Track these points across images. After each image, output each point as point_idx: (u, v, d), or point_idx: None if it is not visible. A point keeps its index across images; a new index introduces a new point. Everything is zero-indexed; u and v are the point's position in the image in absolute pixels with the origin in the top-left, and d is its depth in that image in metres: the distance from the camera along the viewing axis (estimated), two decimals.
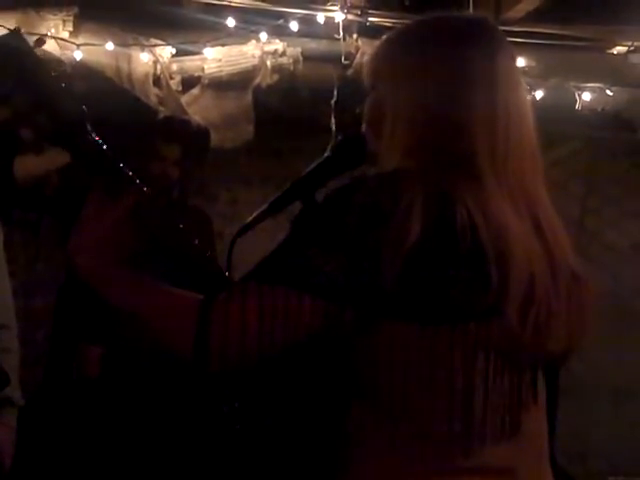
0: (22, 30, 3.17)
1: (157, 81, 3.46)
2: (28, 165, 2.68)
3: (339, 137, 1.32)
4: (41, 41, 3.14)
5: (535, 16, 3.41)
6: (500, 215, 1.08)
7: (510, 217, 1.09)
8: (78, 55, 3.27)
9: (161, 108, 3.44)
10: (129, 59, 3.40)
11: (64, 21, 3.27)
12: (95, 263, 1.19)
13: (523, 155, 1.15)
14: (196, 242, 1.34)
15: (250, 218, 1.33)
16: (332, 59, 3.44)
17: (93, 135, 1.24)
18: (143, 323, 1.16)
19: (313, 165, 1.31)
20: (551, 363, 1.20)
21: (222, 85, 3.51)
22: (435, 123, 1.14)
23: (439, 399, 1.07)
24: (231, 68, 3.48)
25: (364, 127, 1.25)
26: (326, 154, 1.30)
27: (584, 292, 1.18)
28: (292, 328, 1.06)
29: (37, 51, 3.09)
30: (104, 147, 1.25)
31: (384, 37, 1.26)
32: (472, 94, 1.14)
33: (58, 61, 3.22)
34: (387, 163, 1.15)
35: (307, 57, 3.51)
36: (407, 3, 3.26)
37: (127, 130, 3.24)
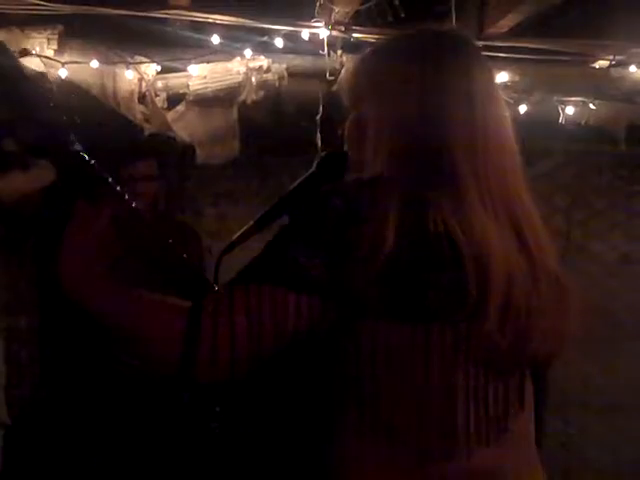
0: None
1: (142, 98, 3.46)
2: (12, 183, 2.66)
3: (322, 153, 1.33)
4: (24, 51, 3.14)
5: (518, 31, 3.44)
6: (478, 221, 1.09)
7: (489, 224, 1.10)
8: (63, 73, 3.27)
9: (147, 125, 3.44)
10: (114, 77, 3.40)
11: (49, 39, 3.26)
12: (78, 273, 1.18)
13: (504, 166, 1.17)
14: (185, 256, 1.33)
15: (236, 235, 1.33)
16: (317, 75, 3.46)
17: (76, 145, 1.24)
18: (129, 336, 1.15)
19: (298, 181, 1.31)
20: (536, 366, 1.21)
21: (207, 102, 3.51)
22: (415, 138, 1.15)
23: (420, 399, 1.08)
24: (216, 85, 3.49)
25: (346, 143, 1.25)
26: (310, 170, 1.31)
27: (567, 296, 1.19)
28: (279, 326, 1.06)
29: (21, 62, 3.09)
30: (87, 157, 1.24)
31: (364, 51, 1.27)
32: (450, 109, 1.15)
33: (43, 78, 3.21)
34: (372, 171, 1.16)
35: (292, 73, 3.52)
36: (391, 19, 3.28)
37: (116, 145, 3.24)
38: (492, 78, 1.24)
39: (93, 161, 1.24)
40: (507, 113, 1.23)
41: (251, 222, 1.33)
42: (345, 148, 1.27)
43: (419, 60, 1.18)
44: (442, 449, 1.07)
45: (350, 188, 1.10)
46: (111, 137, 3.22)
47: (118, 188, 1.26)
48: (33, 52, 3.22)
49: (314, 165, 1.33)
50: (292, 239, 1.09)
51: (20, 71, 1.26)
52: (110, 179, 1.25)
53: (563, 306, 1.18)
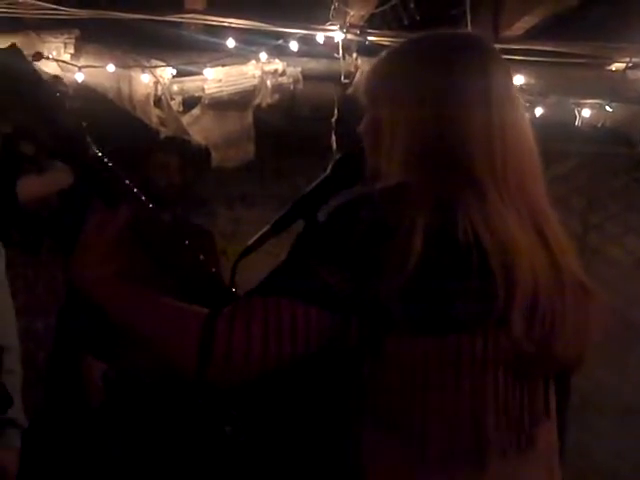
0: (24, 53, 3.20)
1: (158, 102, 3.48)
2: (30, 186, 2.68)
3: (337, 155, 1.33)
4: (39, 55, 3.16)
5: (534, 34, 3.43)
6: (504, 226, 1.08)
7: (514, 228, 1.09)
8: (79, 77, 3.29)
9: (162, 129, 3.46)
10: (130, 80, 3.42)
11: (65, 44, 3.29)
12: (96, 277, 1.18)
13: (522, 168, 1.16)
14: (201, 257, 1.34)
15: (253, 239, 1.33)
16: (332, 78, 3.46)
17: (94, 148, 1.24)
18: (145, 338, 1.15)
19: (313, 184, 1.31)
20: (562, 374, 1.20)
21: (223, 105, 3.52)
22: (432, 141, 1.14)
23: (449, 412, 1.07)
24: (231, 88, 3.50)
25: (363, 144, 1.25)
26: (326, 173, 1.31)
27: (591, 302, 1.18)
28: (298, 340, 1.05)
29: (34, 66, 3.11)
30: (105, 160, 1.25)
31: (380, 55, 1.27)
32: (468, 111, 1.15)
33: (60, 82, 3.23)
34: (388, 175, 1.16)
35: (307, 76, 3.53)
36: (406, 22, 3.28)
37: (129, 148, 3.26)
38: (510, 80, 1.23)
39: (110, 163, 1.25)
40: (525, 113, 1.22)
41: (267, 226, 1.33)
42: (359, 148, 1.26)
43: (436, 62, 1.18)
44: (471, 458, 1.07)
45: (376, 198, 1.09)
46: (127, 140, 3.24)
47: (135, 190, 1.26)
48: (50, 56, 3.24)
49: (329, 168, 1.33)
50: (315, 251, 1.08)
51: (37, 75, 1.26)
52: (127, 181, 1.25)
53: (587, 311, 1.16)
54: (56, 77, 3.17)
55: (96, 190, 1.24)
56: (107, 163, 1.24)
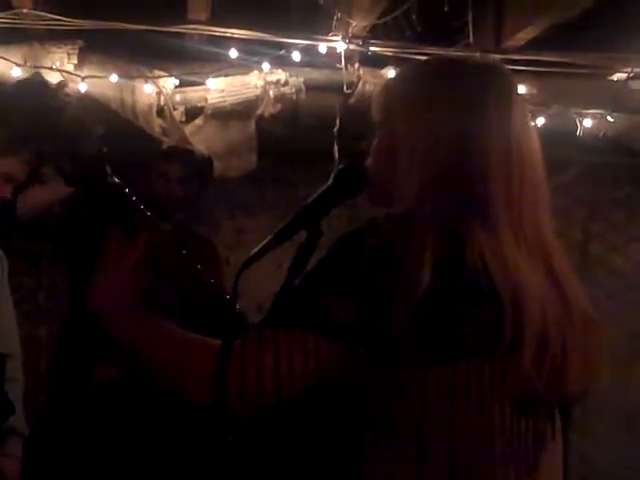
0: (27, 63, 3.22)
1: (161, 112, 3.49)
2: (32, 196, 2.69)
3: (339, 166, 1.33)
4: (63, 83, 3.18)
5: (535, 44, 3.44)
6: (513, 259, 1.08)
7: (523, 262, 1.09)
8: (83, 87, 3.30)
9: (165, 138, 3.47)
10: (133, 91, 3.43)
11: (69, 54, 3.30)
12: (115, 312, 1.20)
13: (536, 200, 1.16)
14: (212, 281, 1.35)
15: (255, 250, 1.33)
16: (334, 88, 3.47)
17: (113, 177, 1.26)
18: (160, 374, 1.16)
19: (315, 195, 1.31)
20: (567, 404, 1.20)
21: (225, 115, 3.53)
22: (451, 170, 1.14)
23: (457, 437, 1.07)
24: (234, 98, 3.51)
25: (372, 162, 1.25)
26: (328, 183, 1.31)
27: (599, 336, 1.17)
28: (309, 373, 1.06)
29: (60, 93, 3.13)
30: (124, 188, 1.27)
31: (398, 72, 1.26)
32: (488, 144, 1.14)
33: (64, 93, 3.25)
34: (401, 201, 1.15)
35: (309, 86, 3.54)
36: (408, 33, 3.29)
37: (131, 156, 3.28)
38: (527, 112, 1.23)
39: (128, 191, 1.26)
40: (537, 138, 1.22)
41: (269, 236, 1.33)
42: (365, 161, 1.26)
43: (458, 88, 1.18)
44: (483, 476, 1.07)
45: (384, 226, 1.09)
46: (130, 149, 3.25)
47: (149, 213, 1.27)
48: (53, 67, 3.26)
49: (331, 178, 1.33)
50: (324, 281, 1.08)
51: (60, 102, 1.29)
52: (144, 208, 1.27)
53: (595, 345, 1.17)
54: (61, 83, 3.18)
55: (114, 218, 1.26)
56: (126, 191, 1.26)
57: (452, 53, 1.27)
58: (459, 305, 1.05)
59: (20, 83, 2.80)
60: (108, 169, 1.25)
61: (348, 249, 1.09)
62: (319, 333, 1.05)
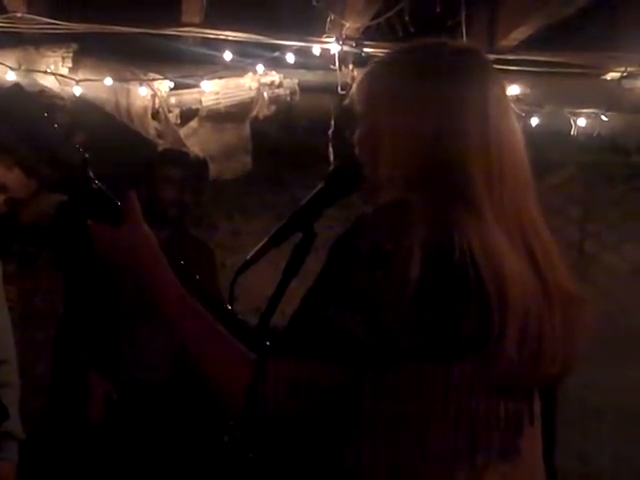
0: (22, 67, 3.22)
1: (156, 115, 3.49)
2: (32, 200, 2.69)
3: (332, 166, 1.33)
4: (45, 92, 3.19)
5: (529, 44, 3.44)
6: (497, 248, 1.09)
7: (506, 250, 1.10)
8: (77, 91, 3.30)
9: (160, 141, 3.47)
10: (128, 93, 3.43)
11: (63, 58, 3.30)
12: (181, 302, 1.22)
13: (517, 181, 1.17)
14: (197, 277, 1.35)
15: (251, 253, 1.34)
16: (328, 90, 3.47)
17: (96, 182, 1.27)
18: (203, 369, 1.18)
19: (309, 196, 1.32)
20: (547, 385, 1.21)
21: (220, 117, 3.54)
22: (432, 154, 1.14)
23: (448, 428, 1.08)
24: (229, 100, 3.51)
25: (358, 154, 1.25)
26: (321, 184, 1.32)
27: (580, 314, 1.18)
28: (328, 392, 1.08)
29: (37, 93, 3.13)
30: (107, 193, 1.28)
31: (374, 63, 1.27)
32: (465, 123, 1.15)
33: (58, 97, 3.25)
34: (388, 188, 1.16)
35: (304, 88, 3.54)
36: (401, 34, 3.30)
37: (130, 162, 3.28)
38: (504, 92, 1.24)
39: (112, 195, 1.27)
40: (519, 127, 1.22)
41: (265, 239, 1.34)
42: (354, 157, 1.27)
43: (434, 75, 1.18)
44: (464, 473, 1.08)
45: (371, 224, 1.10)
46: (126, 153, 3.25)
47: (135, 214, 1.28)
48: (48, 70, 3.26)
49: (325, 179, 1.33)
50: (325, 297, 1.09)
51: (39, 111, 1.29)
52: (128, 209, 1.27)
53: (576, 324, 1.17)
54: (42, 92, 3.18)
55: (97, 218, 1.27)
56: (110, 196, 1.27)
57: (430, 40, 1.27)
58: (450, 303, 1.05)
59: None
60: (91, 174, 1.26)
61: (342, 257, 1.10)
62: (330, 360, 1.07)
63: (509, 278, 1.08)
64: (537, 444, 1.19)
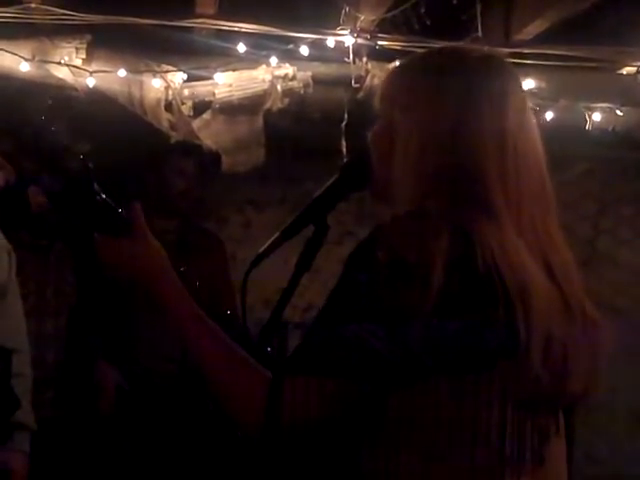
0: (36, 58, 3.22)
1: (169, 106, 3.49)
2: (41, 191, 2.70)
3: (345, 160, 1.32)
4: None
5: (544, 38, 3.42)
6: (518, 258, 1.07)
7: (528, 261, 1.08)
8: (91, 82, 3.31)
9: (173, 133, 3.47)
10: (141, 85, 3.43)
11: (77, 49, 3.31)
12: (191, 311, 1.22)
13: (534, 192, 1.14)
14: (197, 284, 1.35)
15: (263, 247, 1.33)
16: (342, 82, 3.46)
17: (101, 195, 1.26)
18: (217, 388, 1.17)
19: (322, 189, 1.31)
20: (571, 403, 1.20)
21: (233, 109, 3.53)
22: (447, 153, 1.13)
23: (474, 439, 1.06)
24: (242, 93, 3.51)
25: (371, 150, 1.24)
26: (334, 177, 1.31)
27: (598, 332, 1.16)
28: (349, 410, 1.07)
29: (51, 79, 3.13)
30: (112, 205, 1.27)
31: (396, 64, 1.26)
32: (483, 126, 1.13)
33: (72, 88, 3.25)
34: (400, 192, 1.15)
35: (317, 81, 3.53)
36: (416, 27, 3.28)
37: (143, 153, 3.28)
38: (525, 100, 1.22)
39: (119, 209, 1.27)
40: (537, 131, 1.20)
41: (277, 233, 1.33)
42: (367, 153, 1.26)
43: (456, 79, 1.16)
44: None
45: (391, 233, 1.07)
46: (139, 144, 3.25)
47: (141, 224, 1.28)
48: (62, 61, 3.26)
49: (338, 172, 1.33)
50: (345, 312, 1.06)
51: (43, 121, 1.29)
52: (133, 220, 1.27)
53: (596, 342, 1.15)
54: (73, 88, 3.18)
55: (100, 230, 1.27)
56: (114, 207, 1.27)
57: (456, 44, 1.25)
58: (475, 311, 1.03)
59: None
60: (96, 187, 1.25)
61: (361, 269, 1.07)
62: (351, 379, 1.04)
63: (533, 290, 1.05)
64: (562, 452, 1.18)
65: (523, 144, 1.16)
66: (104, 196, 1.26)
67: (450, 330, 1.03)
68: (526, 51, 3.41)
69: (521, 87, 1.23)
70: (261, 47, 3.41)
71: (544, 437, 1.12)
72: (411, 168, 1.14)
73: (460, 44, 1.24)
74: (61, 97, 3.21)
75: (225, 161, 3.55)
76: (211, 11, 3.32)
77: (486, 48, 1.41)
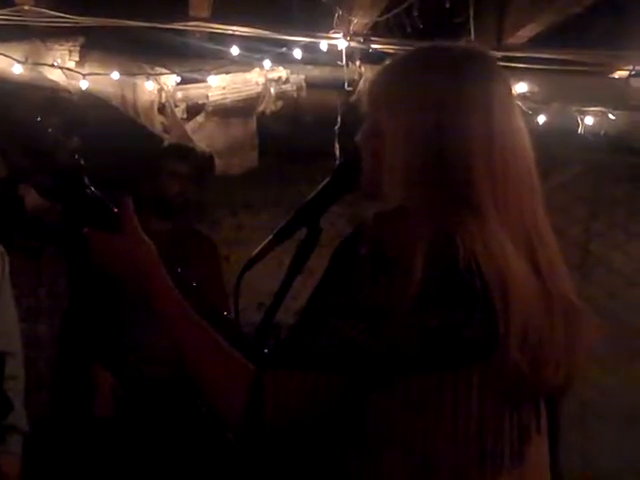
0: (29, 60, 3.22)
1: (162, 109, 3.49)
2: (35, 193, 2.70)
3: (337, 162, 1.33)
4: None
5: (537, 41, 3.44)
6: (501, 253, 1.08)
7: (510, 254, 1.09)
8: (84, 84, 3.30)
9: (166, 135, 3.47)
10: (134, 88, 3.43)
11: (70, 51, 3.30)
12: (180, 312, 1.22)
13: (522, 185, 1.15)
14: (194, 284, 1.36)
15: (256, 251, 1.33)
16: (335, 86, 3.47)
17: (91, 189, 1.27)
18: (201, 383, 1.17)
19: (314, 192, 1.32)
20: (552, 394, 1.20)
21: (226, 112, 3.53)
22: (433, 154, 1.13)
23: (455, 438, 1.07)
24: (235, 95, 3.51)
25: (362, 153, 1.25)
26: (326, 180, 1.31)
27: (582, 324, 1.17)
28: (329, 406, 1.07)
29: (44, 82, 3.13)
30: (103, 199, 1.28)
31: (384, 63, 1.27)
32: (469, 123, 1.14)
33: (65, 90, 3.25)
34: (389, 191, 1.16)
35: (310, 84, 3.54)
36: (409, 30, 3.29)
37: (136, 156, 3.28)
38: (511, 93, 1.23)
39: (111, 206, 1.28)
40: (524, 127, 1.21)
41: (270, 236, 1.34)
42: (358, 155, 1.26)
43: (439, 74, 1.17)
44: (470, 477, 1.07)
45: (373, 229, 1.08)
46: (132, 147, 3.25)
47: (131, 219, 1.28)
48: (55, 64, 3.25)
49: (331, 174, 1.33)
50: (327, 307, 1.07)
51: (34, 116, 1.30)
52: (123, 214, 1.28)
53: (576, 333, 1.16)
54: (66, 90, 3.17)
55: (92, 224, 1.28)
56: (104, 201, 1.27)
57: (442, 42, 1.26)
58: (454, 309, 1.04)
59: None
60: (86, 181, 1.26)
61: (344, 265, 1.08)
62: (333, 371, 1.05)
63: (511, 281, 1.07)
64: (543, 452, 1.18)
65: (510, 136, 1.16)
66: (94, 190, 1.27)
67: (429, 325, 1.04)
68: (518, 55, 3.42)
69: (507, 83, 1.23)
70: (254, 50, 3.41)
71: (525, 435, 1.12)
72: (400, 167, 1.15)
73: (446, 42, 1.24)
74: (55, 99, 3.20)
75: (218, 164, 3.55)
76: (205, 14, 3.32)
77: (471, 45, 1.41)
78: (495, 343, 1.06)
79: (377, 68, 1.29)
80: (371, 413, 1.08)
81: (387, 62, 1.27)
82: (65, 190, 1.27)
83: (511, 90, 1.24)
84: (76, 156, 1.26)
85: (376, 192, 1.19)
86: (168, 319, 1.21)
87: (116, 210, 1.28)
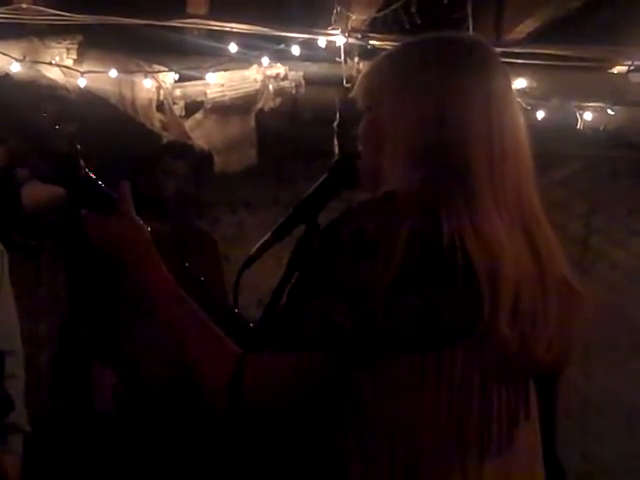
0: (27, 58, 3.21)
1: (160, 107, 3.48)
2: (35, 191, 2.69)
3: (335, 158, 1.33)
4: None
5: (535, 37, 3.43)
6: (491, 231, 1.09)
7: (502, 233, 1.10)
8: (82, 82, 3.30)
9: (165, 133, 3.47)
10: (132, 85, 3.42)
11: (68, 49, 3.30)
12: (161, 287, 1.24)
13: (519, 172, 1.17)
14: (202, 279, 1.36)
15: (255, 248, 1.34)
16: (334, 82, 3.46)
17: (87, 171, 1.28)
18: (187, 360, 1.19)
19: (312, 188, 1.32)
20: (546, 377, 1.20)
21: (225, 109, 3.53)
22: (432, 141, 1.14)
23: (438, 418, 1.07)
24: (234, 92, 3.50)
25: (360, 145, 1.25)
26: (324, 176, 1.32)
27: (577, 304, 1.18)
28: (313, 387, 1.08)
29: (41, 79, 3.13)
30: (98, 182, 1.29)
31: (380, 55, 1.27)
32: (468, 113, 1.15)
33: (63, 88, 3.24)
34: (389, 176, 1.16)
35: (309, 80, 3.53)
36: (407, 26, 3.28)
37: (135, 153, 3.28)
38: (509, 83, 1.24)
39: (107, 188, 1.29)
40: (522, 117, 1.22)
41: (268, 234, 1.34)
42: (360, 152, 1.26)
43: (437, 64, 1.18)
44: (458, 465, 1.07)
45: (357, 213, 1.09)
46: (131, 145, 3.25)
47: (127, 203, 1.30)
48: (53, 62, 3.25)
49: (328, 170, 1.33)
50: (310, 288, 1.09)
51: (29, 101, 1.31)
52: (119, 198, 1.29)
53: (571, 313, 1.17)
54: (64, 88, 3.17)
55: (89, 207, 1.29)
56: (100, 184, 1.28)
57: (439, 32, 1.27)
58: (436, 287, 1.05)
59: None
60: (82, 164, 1.27)
61: (326, 248, 1.09)
62: (315, 348, 1.06)
63: (501, 260, 1.07)
64: (534, 441, 1.18)
65: (508, 124, 1.17)
66: (90, 172, 1.29)
67: (411, 305, 1.04)
68: (517, 50, 3.42)
69: (505, 71, 1.24)
70: (253, 47, 3.41)
71: (512, 421, 1.12)
72: (402, 156, 1.15)
73: (443, 32, 1.24)
74: (52, 88, 3.20)
75: (217, 161, 3.55)
76: (202, 11, 3.32)
77: (469, 34, 1.42)
78: (479, 319, 1.06)
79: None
80: (354, 395, 1.08)
81: (385, 53, 1.27)
82: (62, 174, 1.28)
83: (509, 78, 1.25)
84: (73, 140, 1.27)
85: (375, 183, 1.20)
86: (162, 302, 1.23)
87: (112, 193, 1.29)
